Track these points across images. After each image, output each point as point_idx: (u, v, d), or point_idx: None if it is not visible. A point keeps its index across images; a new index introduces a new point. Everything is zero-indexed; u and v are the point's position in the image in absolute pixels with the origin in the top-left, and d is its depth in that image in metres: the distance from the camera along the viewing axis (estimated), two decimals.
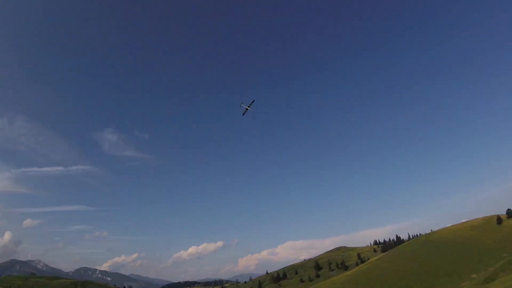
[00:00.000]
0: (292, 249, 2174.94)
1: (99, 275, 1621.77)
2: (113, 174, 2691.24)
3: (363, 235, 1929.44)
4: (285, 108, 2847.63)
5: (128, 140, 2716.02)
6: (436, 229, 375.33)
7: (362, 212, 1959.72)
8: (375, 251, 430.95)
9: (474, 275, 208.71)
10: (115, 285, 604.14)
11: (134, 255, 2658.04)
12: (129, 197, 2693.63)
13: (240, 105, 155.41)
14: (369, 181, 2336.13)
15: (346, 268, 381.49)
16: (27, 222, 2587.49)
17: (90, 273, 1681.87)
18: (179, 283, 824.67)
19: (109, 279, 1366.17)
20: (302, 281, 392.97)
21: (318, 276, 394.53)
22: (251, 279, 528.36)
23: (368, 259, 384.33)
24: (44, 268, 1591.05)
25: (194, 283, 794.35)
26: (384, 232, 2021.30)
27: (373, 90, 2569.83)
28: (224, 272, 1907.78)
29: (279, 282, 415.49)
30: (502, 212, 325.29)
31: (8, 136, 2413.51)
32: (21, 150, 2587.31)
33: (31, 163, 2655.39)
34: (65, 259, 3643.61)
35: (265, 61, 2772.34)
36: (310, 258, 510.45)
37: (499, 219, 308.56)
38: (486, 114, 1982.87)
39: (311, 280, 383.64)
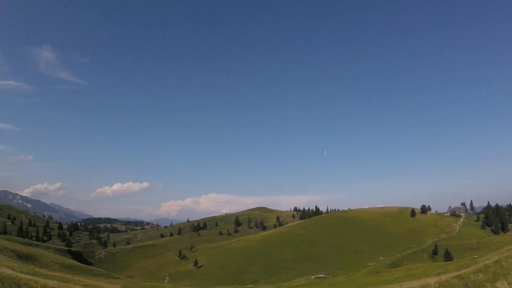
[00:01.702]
0: (215, 202, 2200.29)
1: (20, 201, 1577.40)
2: (46, 95, 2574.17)
3: (285, 200, 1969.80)
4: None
5: (66, 61, 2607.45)
6: (353, 208, 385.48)
7: (288, 177, 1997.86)
8: (293, 217, 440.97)
9: (381, 258, 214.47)
10: (35, 213, 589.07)
11: (57, 184, 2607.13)
12: (60, 122, 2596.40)
13: None
14: (298, 149, 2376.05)
15: (264, 228, 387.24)
16: None
17: (10, 197, 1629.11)
18: (100, 218, 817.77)
19: (29, 205, 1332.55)
20: (221, 233, 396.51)
21: (236, 231, 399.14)
22: (171, 224, 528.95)
23: (286, 223, 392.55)
24: None
25: (115, 220, 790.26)
26: (304, 201, 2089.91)
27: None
28: (145, 214, 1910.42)
29: (199, 232, 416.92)
30: (417, 206, 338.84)
31: None
32: None
33: None
34: None
35: None
36: (231, 213, 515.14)
37: (413, 212, 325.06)
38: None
39: (229, 234, 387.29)
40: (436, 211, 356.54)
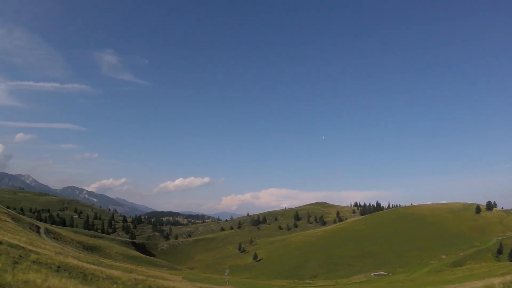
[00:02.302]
0: (275, 196, 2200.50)
1: (86, 195, 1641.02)
2: (109, 96, 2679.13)
3: (345, 195, 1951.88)
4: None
5: (127, 63, 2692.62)
6: (415, 204, 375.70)
7: (349, 172, 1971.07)
8: (354, 212, 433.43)
9: (443, 256, 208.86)
10: (100, 207, 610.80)
11: (122, 180, 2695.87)
12: (124, 122, 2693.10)
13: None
14: (361, 145, 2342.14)
15: (324, 223, 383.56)
16: (19, 136, 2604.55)
17: (77, 192, 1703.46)
18: (162, 212, 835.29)
19: (95, 200, 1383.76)
20: (280, 228, 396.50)
21: (296, 226, 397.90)
22: (232, 218, 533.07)
23: (346, 219, 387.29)
24: (33, 183, 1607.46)
25: (177, 214, 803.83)
26: (365, 197, 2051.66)
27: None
28: (206, 208, 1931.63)
29: (258, 226, 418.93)
30: (482, 202, 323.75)
31: (6, 47, 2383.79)
32: (18, 63, 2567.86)
33: (27, 77, 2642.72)
34: (54, 176, 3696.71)
35: None
36: (291, 208, 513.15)
37: (478, 209, 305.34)
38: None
39: (289, 229, 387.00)
40: (502, 208, 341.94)
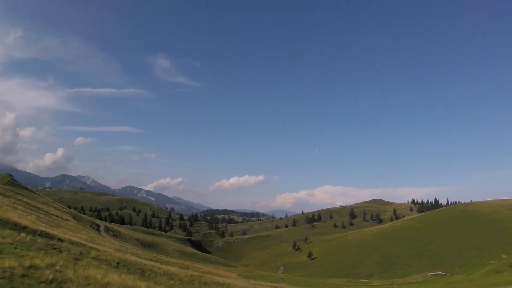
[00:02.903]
0: (330, 194, 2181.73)
1: (144, 195, 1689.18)
2: (164, 99, 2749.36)
3: (402, 192, 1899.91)
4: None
5: (180, 66, 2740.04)
6: (475, 200, 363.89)
7: (406, 169, 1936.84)
8: (411, 210, 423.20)
9: (504, 256, 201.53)
10: (158, 205, 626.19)
11: (179, 179, 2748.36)
12: (179, 123, 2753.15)
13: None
14: (418, 141, 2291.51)
15: (380, 221, 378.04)
16: (79, 140, 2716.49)
17: (135, 192, 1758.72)
18: (218, 210, 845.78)
19: (153, 199, 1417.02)
20: (335, 226, 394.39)
21: (351, 224, 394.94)
22: (286, 216, 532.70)
23: (403, 216, 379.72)
24: (93, 184, 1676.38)
25: (232, 211, 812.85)
26: (423, 193, 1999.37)
27: None
28: (261, 206, 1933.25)
29: (313, 224, 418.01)
30: None
31: (63, 56, 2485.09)
32: (75, 71, 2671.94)
33: (84, 84, 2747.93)
34: (113, 177, 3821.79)
35: None
36: (346, 205, 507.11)
37: None
38: None
39: (344, 227, 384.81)
40: None
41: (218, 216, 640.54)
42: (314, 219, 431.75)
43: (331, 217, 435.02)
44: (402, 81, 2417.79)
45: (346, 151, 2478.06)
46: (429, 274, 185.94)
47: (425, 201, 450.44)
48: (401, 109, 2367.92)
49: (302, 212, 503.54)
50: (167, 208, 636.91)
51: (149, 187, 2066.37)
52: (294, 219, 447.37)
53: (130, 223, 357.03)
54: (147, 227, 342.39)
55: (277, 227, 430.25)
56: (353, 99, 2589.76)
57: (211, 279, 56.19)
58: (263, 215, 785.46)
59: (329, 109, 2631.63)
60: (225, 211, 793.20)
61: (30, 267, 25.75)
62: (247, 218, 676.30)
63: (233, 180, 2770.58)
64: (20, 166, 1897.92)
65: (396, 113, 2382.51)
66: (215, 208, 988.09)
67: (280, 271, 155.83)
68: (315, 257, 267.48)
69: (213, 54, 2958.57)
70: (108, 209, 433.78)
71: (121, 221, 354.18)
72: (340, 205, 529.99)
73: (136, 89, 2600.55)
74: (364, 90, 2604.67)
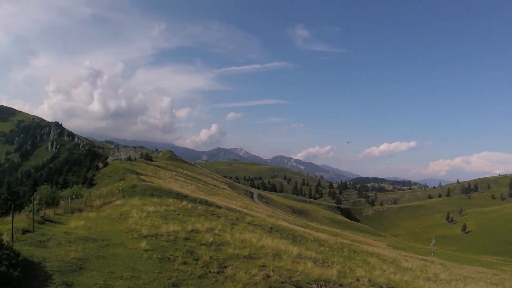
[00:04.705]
0: (488, 161, 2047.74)
1: (294, 164, 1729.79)
2: (307, 69, 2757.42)
3: None
4: None
5: (319, 34, 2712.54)
6: None
7: None
8: None
9: None
10: (308, 173, 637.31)
11: (327, 147, 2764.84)
12: (323, 91, 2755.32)
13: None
14: None
15: None
16: (231, 115, 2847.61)
17: (285, 161, 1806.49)
18: (367, 178, 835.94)
19: (302, 167, 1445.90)
20: (493, 197, 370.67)
21: (511, 195, 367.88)
22: (440, 185, 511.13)
23: None
24: (245, 155, 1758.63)
25: (382, 180, 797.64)
26: None
27: None
28: (412, 174, 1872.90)
29: (469, 194, 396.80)
30: None
31: (207, 41, 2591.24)
32: (219, 52, 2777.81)
33: (230, 63, 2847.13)
34: (263, 148, 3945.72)
35: None
36: (506, 174, 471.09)
37: None
38: None
39: (503, 199, 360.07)
40: None
41: (368, 184, 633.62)
42: (470, 189, 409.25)
43: (488, 187, 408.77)
44: None
45: (508, 111, 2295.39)
46: None
47: None
48: None
49: (457, 181, 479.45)
50: (316, 176, 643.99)
51: (299, 156, 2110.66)
52: (448, 189, 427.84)
53: (282, 191, 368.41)
54: (298, 195, 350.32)
55: (429, 197, 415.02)
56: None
57: (360, 247, 56.84)
58: (415, 183, 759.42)
59: (488, 66, 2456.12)
60: (375, 179, 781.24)
61: (192, 231, 28.50)
62: (398, 187, 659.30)
63: (383, 147, 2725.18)
64: (179, 143, 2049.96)
65: None
66: (364, 176, 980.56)
67: (431, 244, 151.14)
68: (470, 231, 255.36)
69: (351, 17, 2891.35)
70: (260, 178, 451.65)
71: (273, 189, 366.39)
72: (499, 174, 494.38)
73: (279, 62, 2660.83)
74: None
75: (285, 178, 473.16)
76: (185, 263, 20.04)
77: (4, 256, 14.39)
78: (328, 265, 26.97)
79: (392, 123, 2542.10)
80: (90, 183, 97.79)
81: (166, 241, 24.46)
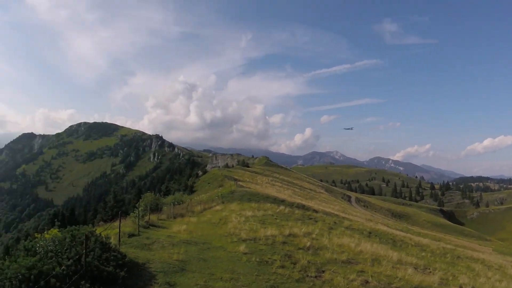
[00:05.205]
0: None
1: (392, 165, 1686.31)
2: (399, 64, 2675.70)
3: None
4: None
5: (407, 26, 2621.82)
6: None
7: None
8: None
9: None
10: (407, 175, 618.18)
11: (427, 146, 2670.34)
12: (418, 87, 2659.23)
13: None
14: None
15: None
16: (324, 118, 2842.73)
17: (383, 162, 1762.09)
18: (471, 177, 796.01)
19: (401, 168, 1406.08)
20: None
21: None
22: None
23: None
24: (341, 158, 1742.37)
25: (487, 178, 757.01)
26: None
27: None
28: None
29: None
30: None
31: (293, 46, 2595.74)
32: (308, 56, 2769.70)
33: (319, 66, 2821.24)
34: (359, 149, 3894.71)
35: None
36: None
37: None
38: None
39: None
40: None
41: (472, 184, 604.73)
42: None
43: None
44: None
45: None
46: None
47: None
48: None
49: None
50: (416, 177, 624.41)
51: (397, 156, 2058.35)
52: None
53: (380, 194, 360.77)
54: (397, 197, 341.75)
55: None
56: None
57: (463, 253, 54.56)
58: None
59: None
60: (479, 178, 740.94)
61: (289, 235, 28.83)
62: (504, 186, 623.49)
63: (487, 142, 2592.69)
64: (274, 149, 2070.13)
65: None
66: (467, 175, 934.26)
67: None
68: None
69: (439, 2, 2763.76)
70: (357, 181, 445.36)
71: (371, 192, 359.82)
72: None
73: (370, 60, 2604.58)
74: None
75: (383, 180, 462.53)
76: (283, 266, 20.44)
77: (112, 257, 15.90)
78: (430, 272, 26.22)
79: (496, 115, 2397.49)
80: (191, 190, 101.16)
81: (264, 244, 24.98)
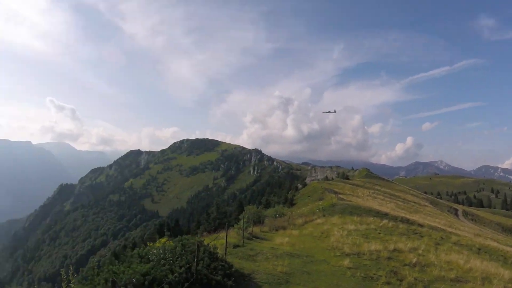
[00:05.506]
0: None
1: (501, 173, 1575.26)
2: (501, 61, 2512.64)
3: None
4: None
5: (506, 20, 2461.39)
6: None
7: None
8: None
9: None
10: None
11: None
12: None
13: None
14: None
15: None
16: (425, 125, 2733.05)
17: (491, 171, 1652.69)
18: None
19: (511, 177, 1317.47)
20: None
21: None
22: None
23: None
24: (446, 167, 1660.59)
25: None
26: None
27: None
28: None
29: None
30: None
31: (387, 52, 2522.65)
32: (403, 61, 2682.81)
33: (416, 70, 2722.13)
34: (465, 157, 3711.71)
35: None
36: None
37: None
38: None
39: None
40: None
41: None
42: None
43: None
44: None
45: None
46: None
47: None
48: None
49: None
50: None
51: (506, 164, 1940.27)
52: None
53: (489, 206, 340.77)
54: (507, 210, 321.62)
55: None
56: None
57: None
58: None
59: None
60: None
61: (394, 250, 28.18)
62: None
63: None
64: (374, 160, 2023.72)
65: None
66: None
67: None
68: None
69: None
70: (464, 192, 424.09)
71: (480, 204, 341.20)
72: None
73: (469, 60, 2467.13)
74: None
75: (492, 191, 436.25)
76: (388, 283, 20.04)
77: (220, 267, 16.60)
78: None
79: None
80: (291, 203, 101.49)
81: (369, 259, 24.61)
